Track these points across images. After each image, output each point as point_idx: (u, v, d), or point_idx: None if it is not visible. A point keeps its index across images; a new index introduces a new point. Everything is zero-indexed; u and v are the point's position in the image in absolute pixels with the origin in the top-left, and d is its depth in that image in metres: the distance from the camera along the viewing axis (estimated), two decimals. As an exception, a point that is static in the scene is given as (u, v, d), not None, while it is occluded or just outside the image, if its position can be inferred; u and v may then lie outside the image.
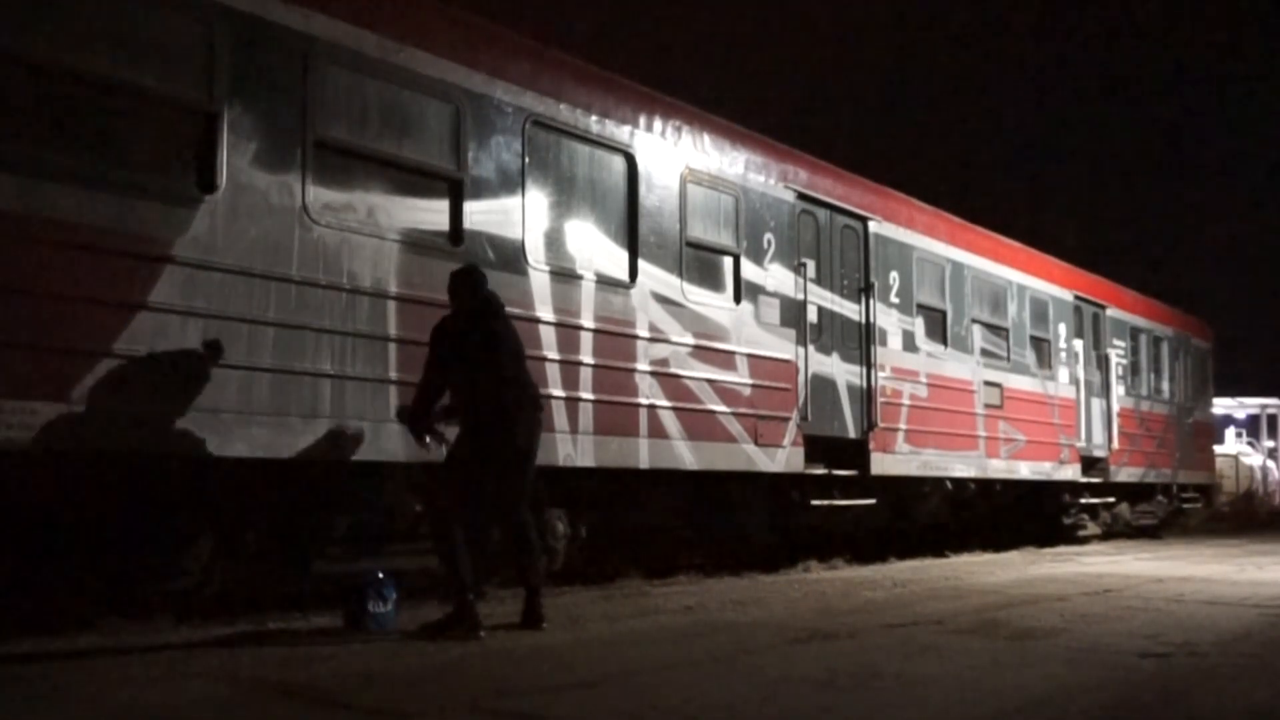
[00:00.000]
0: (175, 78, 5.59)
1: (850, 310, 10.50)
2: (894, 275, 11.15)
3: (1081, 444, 14.76)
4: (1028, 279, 13.84)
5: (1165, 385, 17.82)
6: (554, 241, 7.59)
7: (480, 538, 6.19)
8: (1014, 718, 3.81)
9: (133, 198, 5.31)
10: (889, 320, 10.96)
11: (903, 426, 10.97)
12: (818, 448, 9.83)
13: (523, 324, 7.14)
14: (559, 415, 7.37)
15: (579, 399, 7.52)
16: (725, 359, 8.83)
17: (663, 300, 8.32)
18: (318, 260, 6.07)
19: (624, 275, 8.07)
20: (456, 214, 6.90)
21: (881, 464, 10.56)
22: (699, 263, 8.79)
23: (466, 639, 5.48)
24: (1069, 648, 5.28)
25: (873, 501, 10.63)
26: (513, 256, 7.18)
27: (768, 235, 9.48)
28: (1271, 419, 37.75)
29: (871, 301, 10.67)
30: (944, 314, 12.00)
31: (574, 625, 6.02)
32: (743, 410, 8.89)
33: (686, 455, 8.32)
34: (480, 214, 7.00)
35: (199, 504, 5.91)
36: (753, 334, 9.14)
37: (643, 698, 4.02)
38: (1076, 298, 15.05)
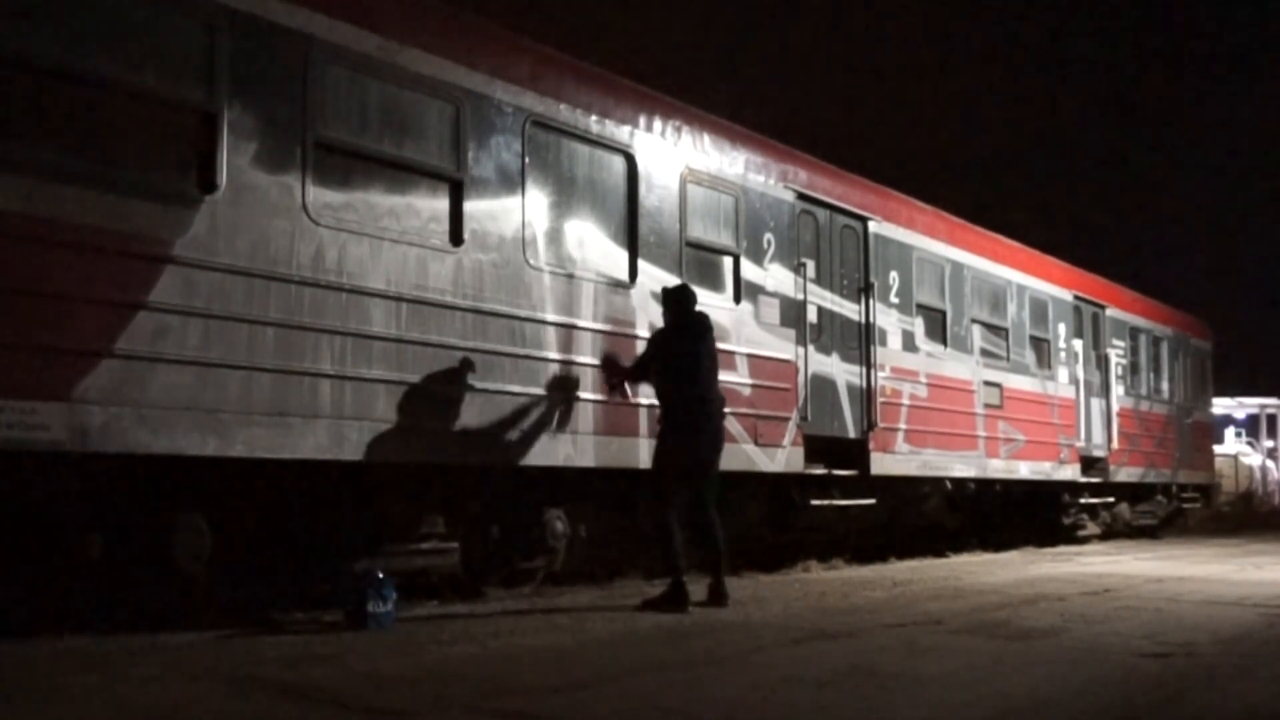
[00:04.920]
0: (175, 78, 5.59)
1: (850, 310, 10.49)
2: (894, 275, 11.15)
3: (1081, 444, 14.76)
4: (1027, 279, 13.84)
5: (1165, 385, 17.82)
6: (554, 241, 7.58)
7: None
8: (1014, 718, 3.81)
9: (132, 197, 5.32)
10: (889, 320, 10.96)
11: (902, 426, 10.97)
12: (818, 448, 9.83)
13: (523, 324, 7.17)
14: (559, 416, 7.37)
15: (579, 399, 7.52)
16: (725, 359, 8.77)
17: (663, 300, 8.31)
18: (318, 260, 6.07)
19: (624, 275, 8.07)
20: (456, 214, 6.90)
21: (881, 464, 10.56)
22: (699, 263, 8.79)
23: (678, 614, 6.46)
24: (1069, 648, 5.28)
25: (873, 501, 10.63)
26: (512, 256, 7.18)
27: (767, 235, 9.48)
28: (1271, 419, 37.72)
29: (871, 301, 10.67)
30: (944, 314, 12.00)
31: (574, 625, 6.03)
32: (743, 410, 8.88)
33: (686, 455, 8.31)
34: (480, 214, 7.00)
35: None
36: (752, 334, 9.14)
37: (643, 698, 4.02)
38: (1076, 298, 15.05)
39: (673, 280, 8.38)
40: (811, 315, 9.87)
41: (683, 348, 6.96)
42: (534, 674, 4.49)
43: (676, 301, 7.20)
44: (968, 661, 4.86)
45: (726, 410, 8.60)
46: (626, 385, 7.46)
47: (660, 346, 7.08)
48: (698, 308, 7.33)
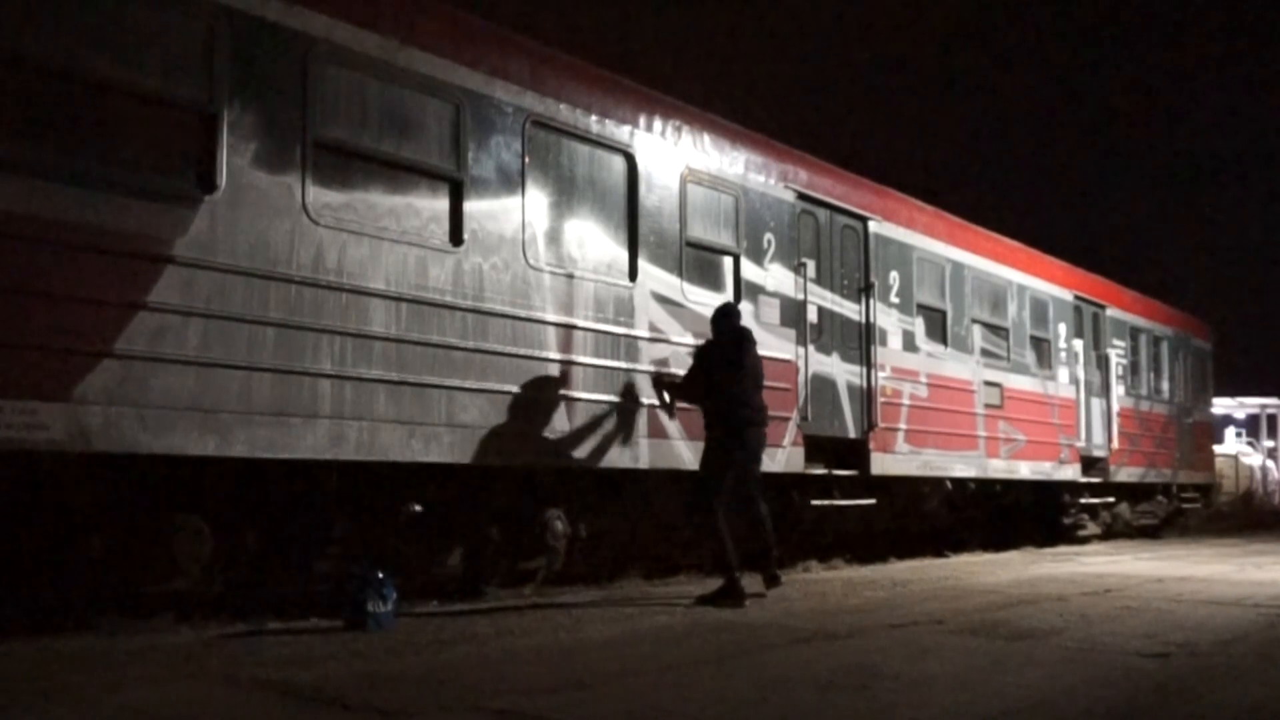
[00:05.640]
0: (175, 78, 5.59)
1: (850, 310, 10.49)
2: (894, 275, 11.14)
3: (1081, 444, 14.75)
4: (1028, 279, 13.83)
5: (1165, 385, 17.81)
6: (554, 241, 7.59)
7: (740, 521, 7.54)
8: (1014, 718, 3.81)
9: (132, 198, 5.32)
10: (889, 320, 10.96)
11: (903, 426, 10.97)
12: (818, 448, 9.83)
13: (522, 324, 7.17)
14: (559, 415, 7.38)
15: (579, 399, 7.52)
16: (725, 359, 8.81)
17: (663, 300, 8.32)
18: (318, 260, 6.07)
19: (624, 275, 8.07)
20: (456, 214, 6.90)
21: (881, 464, 10.56)
22: (699, 262, 8.79)
23: (734, 608, 6.78)
24: (1069, 648, 5.28)
25: (873, 501, 10.63)
26: (512, 256, 7.18)
27: (768, 235, 9.48)
28: (1271, 419, 37.72)
29: (871, 301, 10.67)
30: (944, 314, 12.00)
31: (574, 625, 6.03)
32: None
33: (686, 455, 8.32)
34: (480, 214, 7.01)
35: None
36: (753, 334, 9.12)
37: (643, 698, 4.02)
38: (1076, 297, 15.05)
39: (673, 280, 8.41)
40: (812, 315, 9.87)
41: (728, 357, 7.42)
42: (534, 674, 4.49)
43: (723, 317, 7.68)
44: (968, 662, 4.86)
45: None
46: (675, 400, 7.98)
47: (706, 357, 7.58)
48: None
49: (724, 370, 7.40)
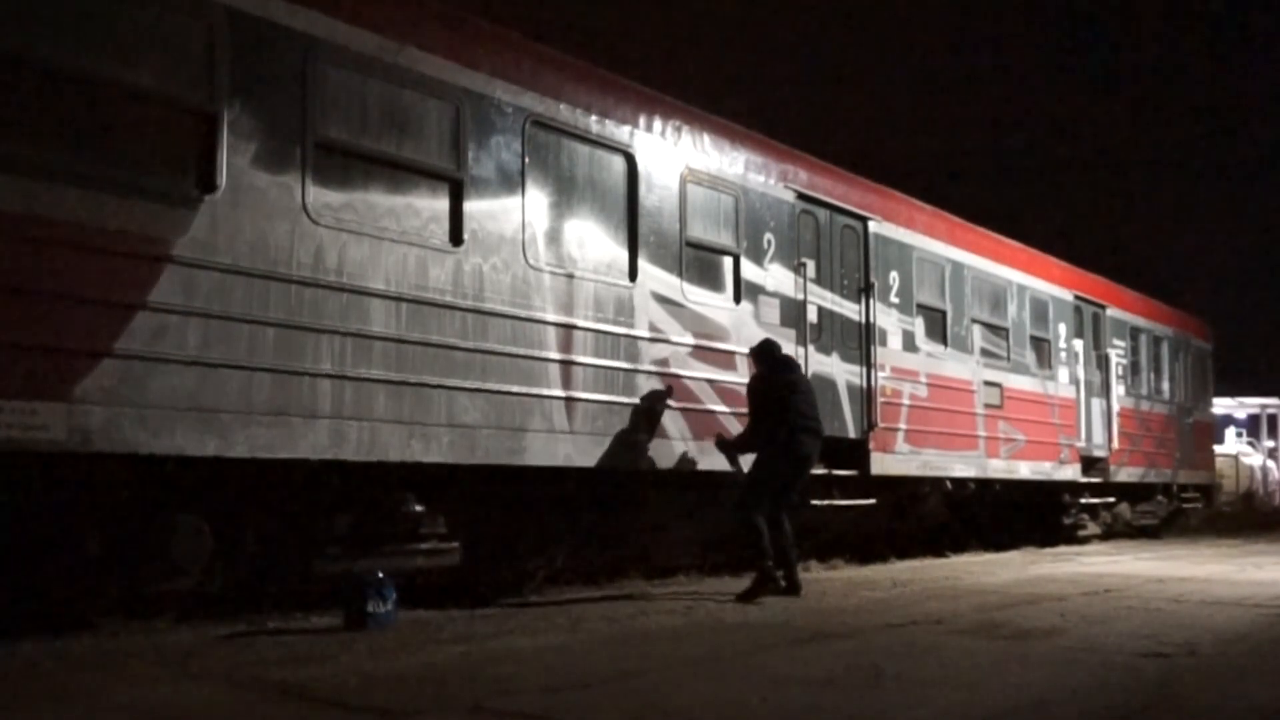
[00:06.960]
0: (175, 78, 5.59)
1: (850, 310, 10.49)
2: (894, 275, 11.14)
3: (1081, 444, 14.75)
4: (1028, 279, 13.83)
5: (1165, 385, 17.80)
6: (554, 241, 7.58)
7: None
8: (1014, 718, 3.81)
9: (132, 198, 5.32)
10: (889, 320, 10.96)
11: (903, 426, 10.97)
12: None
13: (522, 324, 7.17)
14: (558, 415, 7.38)
15: (578, 399, 7.52)
16: (725, 359, 8.82)
17: (663, 300, 8.32)
18: (318, 260, 6.07)
19: (624, 275, 8.07)
20: (456, 214, 6.90)
21: (881, 464, 10.56)
22: (699, 263, 8.79)
23: (770, 594, 7.49)
24: (1069, 648, 5.28)
25: (873, 501, 10.63)
26: (512, 256, 7.18)
27: (768, 235, 9.48)
28: (1271, 419, 37.77)
29: (871, 301, 10.67)
30: (944, 314, 11.99)
31: (574, 625, 6.03)
32: (743, 410, 8.86)
33: (684, 456, 8.32)
34: (480, 214, 7.01)
35: None
36: (753, 334, 9.12)
37: (643, 698, 4.02)
38: (1076, 298, 15.04)
39: (673, 280, 8.41)
40: (811, 315, 9.87)
41: (774, 387, 8.00)
42: (534, 674, 4.49)
43: (765, 352, 8.26)
44: (968, 661, 4.86)
45: (727, 410, 8.65)
46: (744, 448, 8.24)
47: (757, 391, 8.15)
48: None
49: (776, 395, 7.96)
